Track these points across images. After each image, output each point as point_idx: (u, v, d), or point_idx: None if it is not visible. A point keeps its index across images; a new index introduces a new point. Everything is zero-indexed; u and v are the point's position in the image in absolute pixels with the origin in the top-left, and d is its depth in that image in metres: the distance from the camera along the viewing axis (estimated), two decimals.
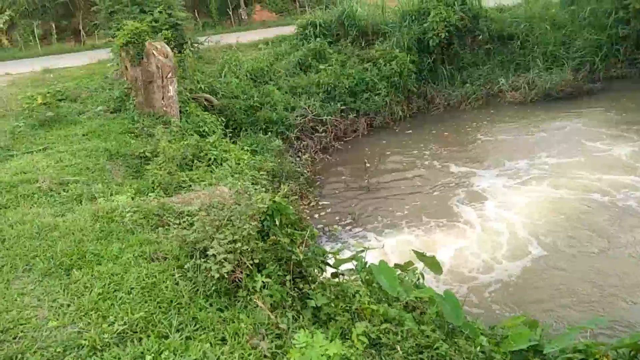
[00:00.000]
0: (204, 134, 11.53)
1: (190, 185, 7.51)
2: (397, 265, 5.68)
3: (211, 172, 8.75)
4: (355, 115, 14.36)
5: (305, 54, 15.93)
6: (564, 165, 10.70)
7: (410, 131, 14.26)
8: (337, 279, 5.35)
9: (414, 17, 16.20)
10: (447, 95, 15.57)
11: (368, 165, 11.68)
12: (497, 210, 9.34)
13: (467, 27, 15.61)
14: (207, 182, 7.90)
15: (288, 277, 4.82)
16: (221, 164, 9.59)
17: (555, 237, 8.15)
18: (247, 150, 11.14)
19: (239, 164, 9.78)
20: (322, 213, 10.07)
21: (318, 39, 16.44)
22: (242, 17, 25.79)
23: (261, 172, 9.99)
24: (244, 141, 12.02)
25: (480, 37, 16.11)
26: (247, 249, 4.62)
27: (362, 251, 5.40)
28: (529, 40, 15.97)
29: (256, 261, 4.76)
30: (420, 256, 5.66)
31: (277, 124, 13.23)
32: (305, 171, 11.43)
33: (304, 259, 5.04)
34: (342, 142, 13.91)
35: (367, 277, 5.32)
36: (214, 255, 4.62)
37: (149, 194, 6.89)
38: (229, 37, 20.70)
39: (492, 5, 17.51)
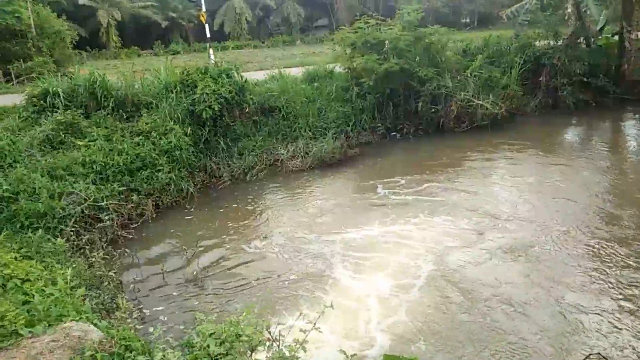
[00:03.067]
0: None
1: (13, 336, 4.70)
2: None
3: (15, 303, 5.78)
4: (139, 196, 12.21)
5: (55, 129, 12.88)
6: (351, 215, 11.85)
7: (202, 209, 12.91)
8: None
9: (178, 88, 15.22)
10: (229, 167, 14.96)
11: (187, 255, 9.98)
12: (348, 275, 9.14)
13: (234, 99, 15.50)
14: (22, 324, 5.15)
15: None
16: (4, 287, 6.56)
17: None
18: (20, 259, 7.99)
19: (31, 281, 6.88)
20: (159, 326, 7.87)
21: (67, 111, 13.60)
22: None
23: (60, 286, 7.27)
24: (5, 246, 8.61)
25: (247, 109, 16.29)
26: None
27: None
28: (290, 112, 16.98)
29: None
30: None
31: (45, 217, 10.06)
32: (110, 274, 8.85)
33: None
34: (130, 230, 11.55)
35: None
36: None
37: None
38: None
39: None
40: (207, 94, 14.68)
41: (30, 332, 4.72)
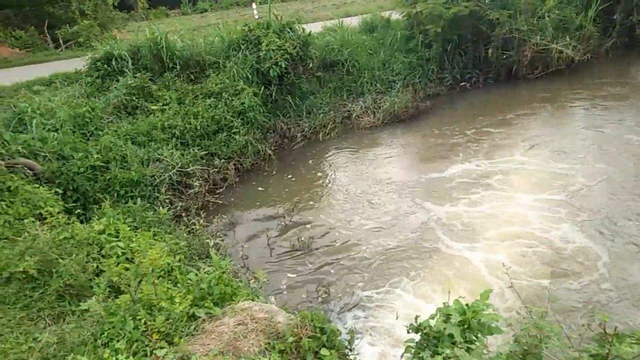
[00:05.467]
0: (44, 218, 7.69)
1: (192, 320, 4.43)
2: None
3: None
4: (219, 160, 11.90)
5: (128, 93, 12.53)
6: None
7: (282, 171, 12.57)
8: None
9: (242, 46, 14.58)
10: (299, 127, 14.47)
11: (286, 220, 9.71)
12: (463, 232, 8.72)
13: (299, 55, 14.79)
14: (189, 304, 4.87)
15: None
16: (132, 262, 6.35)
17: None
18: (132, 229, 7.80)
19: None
20: (280, 293, 7.66)
21: (137, 75, 13.21)
22: None
23: (178, 257, 7.04)
24: (106, 216, 8.41)
25: (311, 65, 15.58)
26: None
27: None
28: (354, 66, 16.19)
29: None
30: None
31: (139, 186, 9.84)
32: (217, 242, 8.64)
33: None
34: (217, 195, 11.31)
35: None
36: None
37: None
38: None
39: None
40: (272, 50, 14.02)
41: (208, 314, 4.44)
